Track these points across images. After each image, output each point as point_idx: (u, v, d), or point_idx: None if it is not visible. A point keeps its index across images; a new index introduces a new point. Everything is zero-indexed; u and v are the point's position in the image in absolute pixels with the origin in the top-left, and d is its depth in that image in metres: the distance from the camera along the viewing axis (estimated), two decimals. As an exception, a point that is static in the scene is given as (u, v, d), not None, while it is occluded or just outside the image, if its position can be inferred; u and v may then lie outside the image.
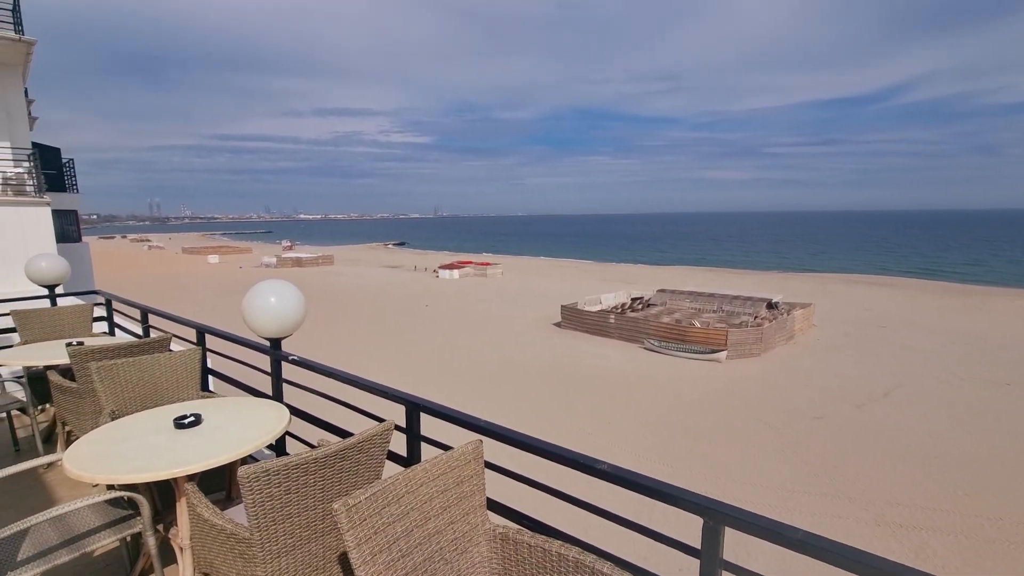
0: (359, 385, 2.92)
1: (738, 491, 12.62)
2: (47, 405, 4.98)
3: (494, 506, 2.21)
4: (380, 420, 2.41)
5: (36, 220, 9.95)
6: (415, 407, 2.61)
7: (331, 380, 3.13)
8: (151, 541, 2.44)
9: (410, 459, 2.67)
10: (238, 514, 2.42)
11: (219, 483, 3.00)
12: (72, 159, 18.21)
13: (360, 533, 1.58)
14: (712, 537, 1.59)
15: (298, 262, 71.11)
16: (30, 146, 10.64)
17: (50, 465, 4.01)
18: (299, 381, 3.52)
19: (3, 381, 4.52)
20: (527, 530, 1.96)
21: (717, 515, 1.57)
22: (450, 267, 58.70)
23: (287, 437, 3.43)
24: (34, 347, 4.71)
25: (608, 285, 46.26)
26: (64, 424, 4.18)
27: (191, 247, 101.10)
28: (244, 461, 2.86)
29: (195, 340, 4.42)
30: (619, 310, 32.41)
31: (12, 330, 5.17)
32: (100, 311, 6.48)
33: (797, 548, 1.42)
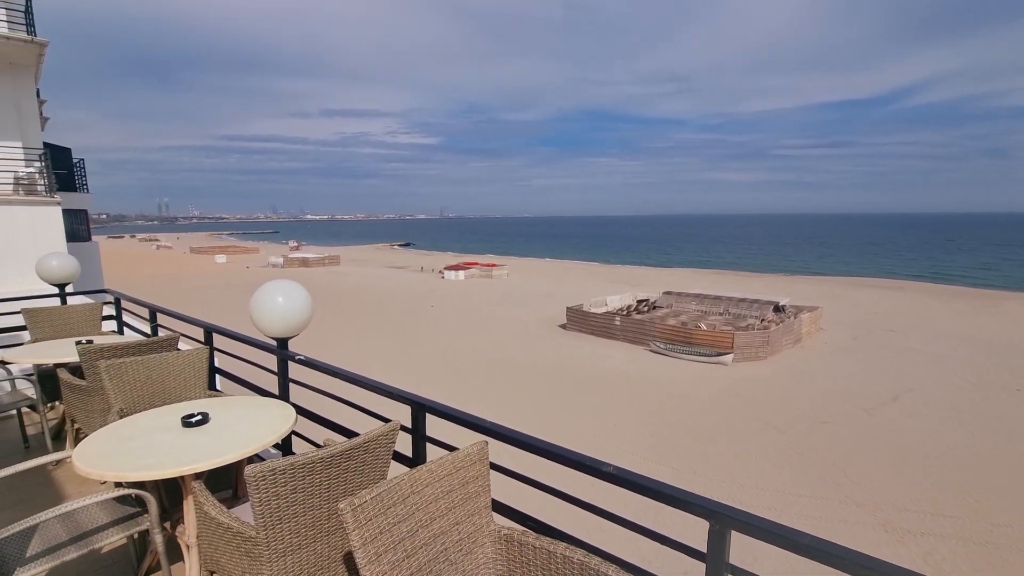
0: (365, 385, 2.94)
1: (742, 494, 12.55)
2: (57, 402, 5.04)
3: (499, 507, 2.21)
4: (386, 420, 2.41)
5: (47, 219, 10.04)
6: (421, 408, 2.61)
7: (337, 380, 3.14)
8: (158, 539, 2.46)
9: (415, 459, 2.68)
10: (244, 512, 2.44)
11: (226, 482, 3.01)
12: (83, 159, 18.39)
13: (365, 533, 1.59)
14: (718, 541, 1.58)
15: (304, 262, 71.45)
16: (41, 146, 10.75)
17: (59, 462, 4.05)
18: (305, 381, 3.54)
19: (14, 378, 4.56)
20: (532, 532, 1.96)
21: (724, 519, 1.57)
22: (455, 268, 58.75)
23: (293, 436, 3.44)
24: (44, 345, 4.76)
25: (614, 287, 46.15)
26: (73, 421, 4.22)
27: (199, 247, 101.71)
28: (251, 460, 2.88)
29: (203, 339, 4.45)
30: (625, 312, 32.31)
31: (23, 328, 5.22)
32: (109, 310, 6.52)
33: (803, 553, 1.41)
